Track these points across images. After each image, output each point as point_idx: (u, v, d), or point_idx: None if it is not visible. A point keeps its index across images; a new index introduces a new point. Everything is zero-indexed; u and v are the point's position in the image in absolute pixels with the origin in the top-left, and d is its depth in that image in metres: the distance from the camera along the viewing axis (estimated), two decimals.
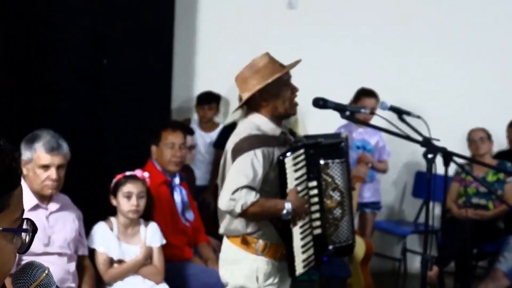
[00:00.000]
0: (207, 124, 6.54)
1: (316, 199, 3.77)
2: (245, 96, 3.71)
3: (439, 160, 3.73)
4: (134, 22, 5.90)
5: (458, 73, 7.28)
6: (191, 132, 5.84)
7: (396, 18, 7.14)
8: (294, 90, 3.75)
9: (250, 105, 3.76)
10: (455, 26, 7.24)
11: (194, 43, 6.87)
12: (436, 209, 7.29)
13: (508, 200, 6.34)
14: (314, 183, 3.75)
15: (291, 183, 3.62)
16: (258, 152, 3.55)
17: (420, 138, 3.75)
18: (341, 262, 5.70)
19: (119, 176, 4.53)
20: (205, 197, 6.22)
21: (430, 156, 3.65)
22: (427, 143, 3.68)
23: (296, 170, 3.64)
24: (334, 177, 3.80)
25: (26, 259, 3.44)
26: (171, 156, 4.98)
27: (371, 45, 7.07)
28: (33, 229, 1.39)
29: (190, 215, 5.14)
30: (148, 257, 4.52)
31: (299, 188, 3.66)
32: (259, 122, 3.69)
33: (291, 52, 3.78)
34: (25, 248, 1.39)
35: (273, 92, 3.68)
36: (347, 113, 3.77)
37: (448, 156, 3.74)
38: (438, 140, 3.73)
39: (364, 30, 7.09)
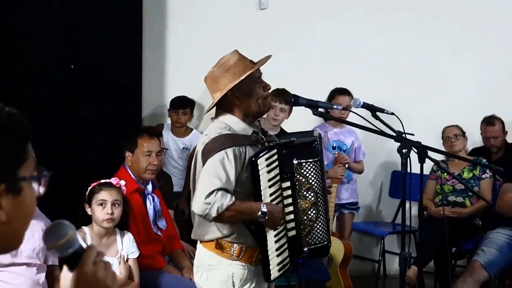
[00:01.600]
0: (181, 129, 6.48)
1: (290, 200, 3.69)
2: (217, 96, 3.61)
3: (415, 159, 3.71)
4: (102, 27, 5.89)
5: (432, 72, 7.30)
6: (160, 135, 5.79)
7: (369, 16, 7.17)
8: (266, 87, 3.67)
9: (221, 105, 3.66)
10: (429, 28, 7.28)
11: (164, 46, 6.82)
12: (413, 209, 7.26)
13: (484, 196, 6.32)
14: (287, 184, 3.67)
15: (264, 184, 3.54)
16: (229, 151, 3.46)
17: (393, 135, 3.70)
18: (320, 265, 5.68)
19: (93, 184, 4.47)
20: (179, 203, 6.13)
21: (404, 150, 3.58)
22: (401, 138, 3.64)
23: (269, 171, 3.56)
24: (307, 177, 3.71)
25: None
26: (148, 164, 4.93)
27: (343, 45, 7.09)
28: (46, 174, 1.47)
29: (162, 224, 5.08)
30: (128, 273, 4.44)
31: (272, 190, 3.59)
32: (229, 122, 3.61)
33: (263, 53, 3.71)
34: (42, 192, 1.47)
35: (246, 90, 3.60)
36: (320, 110, 3.71)
37: (423, 152, 3.73)
38: (412, 134, 3.70)
39: (336, 29, 7.10)
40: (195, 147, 5.44)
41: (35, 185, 1.46)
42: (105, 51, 5.85)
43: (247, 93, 3.60)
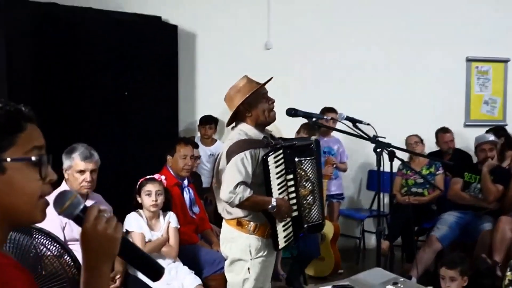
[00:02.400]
0: (208, 140, 6.49)
1: (293, 189, 3.72)
2: (232, 110, 3.67)
3: (386, 160, 3.72)
4: (147, 63, 5.89)
5: (399, 93, 7.32)
6: (196, 145, 5.81)
7: (353, 53, 7.16)
8: (270, 101, 3.69)
9: (237, 117, 3.72)
10: (396, 54, 7.27)
11: (194, 78, 6.85)
12: (385, 198, 7.31)
13: (439, 187, 6.39)
14: (291, 176, 3.69)
15: (273, 176, 3.57)
16: (247, 153, 3.51)
17: (370, 138, 3.71)
18: (315, 244, 5.68)
19: (141, 180, 4.50)
20: (207, 196, 6.14)
21: (378, 150, 3.60)
22: (376, 141, 3.65)
23: (276, 166, 3.59)
24: (306, 171, 3.75)
25: (71, 244, 3.44)
26: (184, 164, 4.95)
27: (331, 72, 7.11)
28: (41, 159, 1.36)
29: (196, 209, 5.10)
30: (167, 238, 4.46)
31: (279, 181, 3.62)
32: (246, 129, 3.66)
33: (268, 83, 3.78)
34: (43, 174, 1.36)
35: (253, 104, 3.64)
36: (313, 119, 3.73)
37: (392, 152, 3.74)
38: (384, 137, 3.72)
39: (326, 64, 7.11)
40: (219, 153, 5.49)
41: (29, 168, 1.33)
42: (149, 82, 5.88)
43: (255, 106, 3.64)
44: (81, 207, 1.51)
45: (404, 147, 6.52)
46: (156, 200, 4.39)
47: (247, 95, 3.60)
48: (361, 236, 7.06)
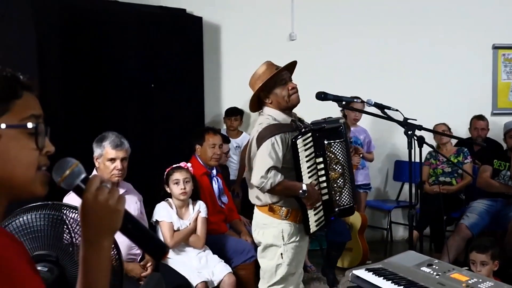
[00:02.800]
0: (233, 132, 6.49)
1: (323, 172, 3.71)
2: (252, 97, 3.71)
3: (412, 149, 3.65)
4: (172, 55, 5.91)
5: (426, 82, 7.26)
6: (227, 140, 5.82)
7: (377, 42, 7.13)
8: (290, 86, 3.67)
9: (262, 103, 3.73)
10: (422, 43, 7.21)
11: (220, 70, 6.88)
12: (412, 188, 7.26)
13: (466, 176, 6.36)
14: (320, 159, 3.69)
15: (302, 159, 3.56)
16: (278, 137, 3.52)
17: (400, 121, 3.68)
18: (344, 228, 5.66)
19: (168, 169, 4.52)
20: (234, 188, 6.16)
21: (410, 132, 3.57)
22: (406, 123, 3.63)
23: (306, 150, 3.59)
24: (336, 153, 3.75)
25: None
26: (213, 153, 4.98)
27: (356, 64, 7.08)
28: (37, 128, 1.29)
29: (225, 199, 5.12)
30: (195, 227, 4.48)
31: (309, 164, 3.61)
32: (274, 114, 3.67)
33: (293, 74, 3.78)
34: (40, 145, 1.29)
35: (272, 90, 3.66)
36: (343, 102, 3.71)
37: (421, 139, 3.70)
38: (415, 120, 3.66)
39: (350, 54, 7.08)
40: (245, 144, 5.50)
41: (23, 136, 1.27)
42: (175, 74, 5.90)
43: (273, 92, 3.66)
44: (82, 176, 1.41)
45: (431, 135, 6.47)
46: (184, 188, 4.41)
47: (262, 83, 3.63)
48: (389, 227, 7.00)
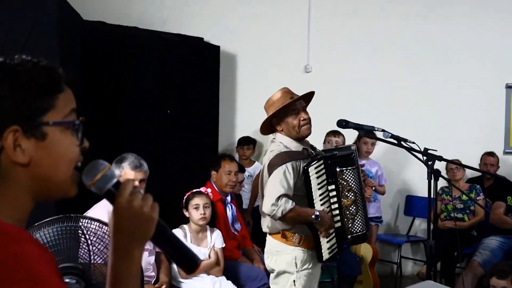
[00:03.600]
0: (246, 161, 6.53)
1: (335, 199, 3.71)
2: (264, 122, 3.75)
3: (424, 184, 3.62)
4: (189, 82, 5.98)
5: (439, 119, 7.33)
6: (243, 170, 5.84)
7: (391, 77, 7.20)
8: (301, 117, 3.68)
9: (273, 128, 3.76)
10: (437, 81, 7.27)
11: (235, 99, 6.96)
12: (422, 224, 7.28)
13: (479, 212, 6.38)
14: (333, 187, 3.69)
15: (314, 187, 3.57)
16: (289, 165, 3.53)
17: (421, 151, 3.67)
18: (355, 261, 5.64)
19: (188, 193, 4.53)
20: (245, 216, 6.16)
21: (430, 162, 3.57)
22: (426, 153, 3.62)
23: (318, 177, 3.60)
24: (348, 181, 3.75)
25: None
26: (228, 180, 5.00)
27: (370, 97, 7.14)
28: (82, 124, 1.26)
29: (238, 226, 5.14)
30: (216, 259, 4.48)
31: (321, 191, 3.62)
32: (285, 142, 3.69)
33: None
34: (80, 140, 1.26)
35: (283, 119, 3.69)
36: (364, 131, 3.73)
37: (437, 173, 3.65)
38: (435, 150, 3.67)
39: (365, 88, 7.15)
40: (257, 174, 5.52)
41: (69, 133, 1.24)
42: (192, 102, 5.97)
43: (284, 121, 3.68)
44: (114, 181, 1.32)
45: (444, 172, 6.49)
46: (204, 213, 4.42)
47: (274, 111, 3.65)
48: (399, 262, 6.97)
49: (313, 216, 3.51)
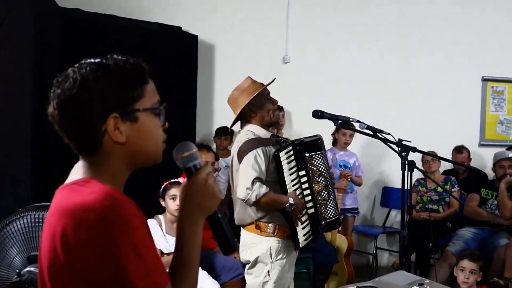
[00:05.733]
0: (223, 152, 6.51)
1: (306, 185, 3.72)
2: (237, 111, 3.71)
3: (400, 175, 3.64)
4: (167, 72, 5.93)
5: (415, 110, 7.38)
6: (217, 157, 5.83)
7: (368, 67, 7.22)
8: (273, 101, 3.74)
9: (243, 119, 3.75)
10: (413, 71, 7.31)
11: (212, 89, 6.92)
12: (398, 216, 7.33)
13: (453, 205, 6.46)
14: (303, 172, 3.69)
15: (286, 172, 3.58)
16: (259, 150, 3.53)
17: (395, 142, 3.70)
18: (331, 250, 5.66)
19: (166, 183, 4.50)
20: (222, 208, 6.15)
21: (404, 153, 3.60)
22: (401, 144, 3.65)
23: (288, 163, 3.61)
24: (318, 166, 3.75)
25: None
26: None
27: (347, 88, 7.16)
28: (164, 109, 1.57)
29: None
30: None
31: (292, 177, 3.63)
32: (253, 129, 3.68)
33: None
34: (162, 122, 1.57)
35: (258, 104, 3.68)
36: (339, 121, 3.74)
37: (411, 164, 3.68)
38: (409, 141, 3.69)
39: (342, 78, 7.16)
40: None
41: (154, 116, 1.54)
42: (169, 91, 5.90)
43: (259, 106, 3.68)
44: (197, 162, 1.61)
45: (420, 163, 6.54)
46: None
47: (253, 96, 3.64)
48: (374, 253, 7.03)
49: (287, 205, 3.52)
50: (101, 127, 1.46)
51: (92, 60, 1.49)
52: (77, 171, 1.53)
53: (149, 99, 1.53)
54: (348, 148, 6.55)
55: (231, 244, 1.66)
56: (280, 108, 5.92)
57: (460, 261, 4.25)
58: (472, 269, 4.13)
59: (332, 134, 6.45)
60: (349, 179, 6.08)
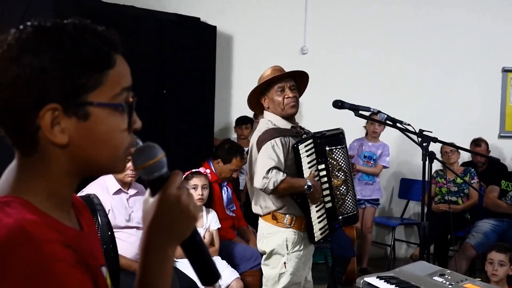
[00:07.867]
0: (244, 141, 6.46)
1: (325, 179, 3.69)
2: (249, 98, 3.79)
3: (419, 168, 3.59)
4: (186, 62, 5.92)
5: (435, 102, 7.31)
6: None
7: (388, 58, 7.18)
8: (285, 95, 3.65)
9: (260, 107, 3.77)
10: (432, 63, 7.25)
11: (231, 79, 6.93)
12: (416, 208, 7.32)
13: (473, 195, 6.41)
14: (322, 166, 3.67)
15: (305, 165, 3.56)
16: (278, 140, 3.51)
17: (416, 132, 3.68)
18: (348, 243, 5.64)
19: (187, 173, 4.50)
20: (241, 196, 6.15)
21: (425, 144, 3.57)
22: (422, 134, 3.62)
23: (308, 156, 3.58)
24: (338, 160, 3.72)
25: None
26: (230, 175, 5.06)
27: (366, 80, 7.12)
28: (132, 106, 1.13)
29: (232, 207, 5.13)
30: (210, 240, 4.49)
31: (311, 170, 3.60)
32: (273, 119, 3.66)
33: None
34: (130, 124, 1.13)
35: (270, 96, 3.68)
36: (360, 112, 3.70)
37: (432, 155, 3.65)
38: (430, 132, 3.66)
39: (361, 70, 7.12)
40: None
41: (115, 114, 1.10)
42: (187, 81, 5.93)
43: (270, 99, 3.67)
44: (164, 172, 1.17)
45: (439, 155, 6.49)
46: (202, 194, 4.39)
47: (256, 86, 3.68)
48: (392, 244, 7.01)
49: (306, 187, 3.48)
50: (34, 119, 1.03)
51: (41, 24, 1.06)
52: (6, 178, 1.10)
53: (109, 89, 1.08)
54: (379, 138, 6.55)
55: (213, 272, 1.24)
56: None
57: (488, 253, 4.19)
58: (500, 260, 4.04)
59: (364, 126, 6.54)
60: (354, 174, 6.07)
